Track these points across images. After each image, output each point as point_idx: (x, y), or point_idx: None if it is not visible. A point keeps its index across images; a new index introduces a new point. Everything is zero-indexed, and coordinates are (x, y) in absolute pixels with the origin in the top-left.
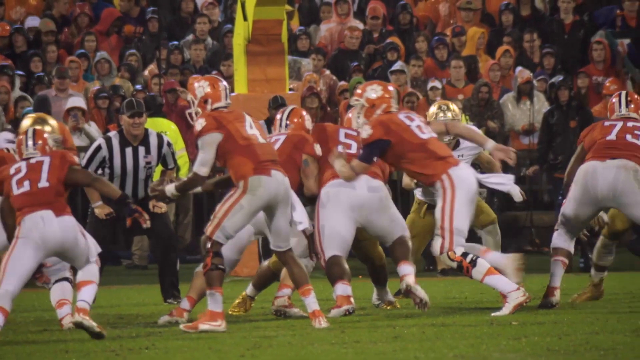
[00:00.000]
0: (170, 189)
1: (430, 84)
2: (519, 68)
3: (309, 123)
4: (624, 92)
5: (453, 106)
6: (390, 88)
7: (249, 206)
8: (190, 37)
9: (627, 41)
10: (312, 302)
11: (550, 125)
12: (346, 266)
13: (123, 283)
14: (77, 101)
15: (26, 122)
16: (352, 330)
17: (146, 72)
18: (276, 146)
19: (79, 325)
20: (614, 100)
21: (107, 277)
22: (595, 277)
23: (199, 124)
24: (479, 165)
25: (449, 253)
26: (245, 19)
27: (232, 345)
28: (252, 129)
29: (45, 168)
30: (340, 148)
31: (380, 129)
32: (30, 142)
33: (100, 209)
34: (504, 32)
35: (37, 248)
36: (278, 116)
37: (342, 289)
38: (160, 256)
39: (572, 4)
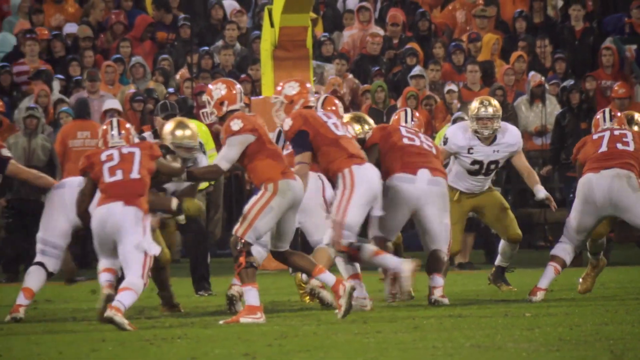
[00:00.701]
0: (188, 171)
1: (447, 88)
2: (531, 72)
3: (342, 110)
4: (607, 109)
5: (494, 102)
6: (308, 85)
7: (278, 208)
8: (220, 42)
9: (634, 47)
10: (329, 277)
11: (562, 127)
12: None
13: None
14: (113, 103)
15: (168, 126)
16: (374, 321)
17: (178, 76)
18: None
19: (109, 321)
20: (598, 116)
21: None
22: (593, 260)
23: (236, 124)
24: (518, 170)
25: (336, 246)
26: (272, 25)
27: (259, 335)
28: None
29: (137, 159)
30: (405, 141)
31: (299, 119)
32: (115, 132)
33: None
34: (517, 38)
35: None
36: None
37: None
38: (191, 251)
39: (582, 12)
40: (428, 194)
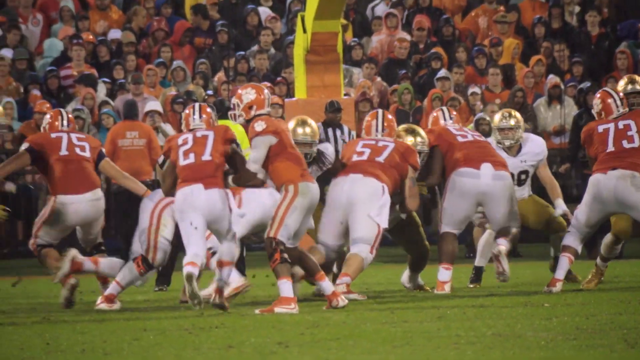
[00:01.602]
0: (229, 180)
1: (470, 90)
2: (550, 75)
3: (395, 125)
4: (614, 93)
5: (515, 113)
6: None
7: (301, 208)
8: (255, 47)
9: None
10: (327, 286)
11: (579, 127)
12: (452, 246)
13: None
14: (154, 105)
15: (290, 124)
16: (400, 311)
17: (215, 79)
18: (385, 152)
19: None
20: (609, 101)
21: (178, 262)
22: (601, 266)
23: (259, 125)
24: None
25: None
26: (304, 31)
27: (293, 324)
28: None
29: (210, 142)
30: (460, 139)
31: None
32: (196, 115)
33: None
34: (537, 43)
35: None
36: (370, 119)
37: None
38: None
39: (598, 18)
40: (493, 190)
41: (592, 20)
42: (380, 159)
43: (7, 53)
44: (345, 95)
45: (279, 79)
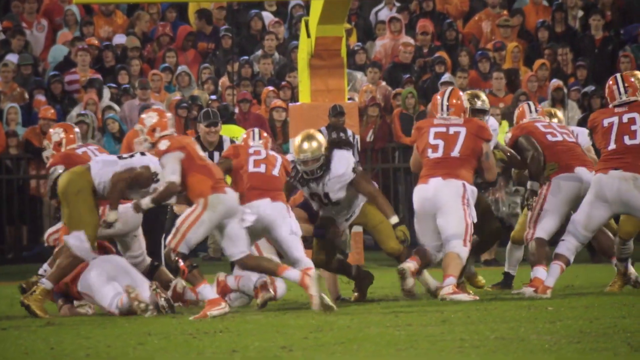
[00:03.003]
0: (145, 201)
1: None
2: (554, 79)
3: (466, 103)
4: (619, 76)
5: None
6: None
7: (209, 221)
8: (259, 52)
9: None
10: (293, 273)
11: None
12: (548, 249)
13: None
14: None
15: (296, 140)
16: (404, 315)
17: (219, 84)
18: (458, 142)
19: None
20: (612, 86)
21: None
22: (620, 267)
23: (163, 144)
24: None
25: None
26: (308, 36)
27: (297, 328)
28: (201, 152)
29: (279, 163)
30: (550, 138)
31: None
32: (257, 137)
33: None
34: (540, 47)
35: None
36: (438, 98)
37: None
38: None
39: (601, 22)
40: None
41: (595, 24)
42: (455, 152)
43: (12, 58)
44: (349, 99)
45: (283, 83)
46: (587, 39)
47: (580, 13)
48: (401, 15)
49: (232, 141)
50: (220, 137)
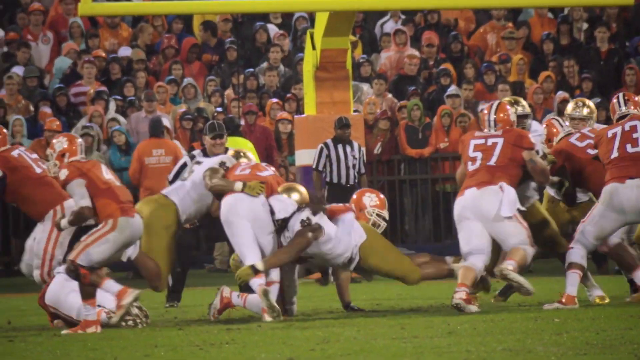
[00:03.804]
0: (63, 222)
1: (481, 107)
2: (559, 91)
3: (514, 116)
4: (621, 94)
5: (590, 103)
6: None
7: (114, 243)
8: (264, 64)
9: None
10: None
11: None
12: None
13: (206, 285)
14: (166, 121)
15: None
16: (410, 327)
17: (225, 96)
18: (495, 152)
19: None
20: (614, 101)
21: (191, 279)
22: None
23: (63, 173)
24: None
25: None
26: (314, 48)
27: (303, 340)
28: (108, 174)
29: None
30: (590, 151)
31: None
32: None
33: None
34: (545, 59)
35: None
36: (485, 113)
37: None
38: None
39: (607, 34)
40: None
41: (601, 36)
42: (492, 162)
43: (18, 70)
44: (354, 111)
45: (288, 95)
46: (592, 51)
47: (585, 25)
48: (406, 27)
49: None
50: (226, 149)
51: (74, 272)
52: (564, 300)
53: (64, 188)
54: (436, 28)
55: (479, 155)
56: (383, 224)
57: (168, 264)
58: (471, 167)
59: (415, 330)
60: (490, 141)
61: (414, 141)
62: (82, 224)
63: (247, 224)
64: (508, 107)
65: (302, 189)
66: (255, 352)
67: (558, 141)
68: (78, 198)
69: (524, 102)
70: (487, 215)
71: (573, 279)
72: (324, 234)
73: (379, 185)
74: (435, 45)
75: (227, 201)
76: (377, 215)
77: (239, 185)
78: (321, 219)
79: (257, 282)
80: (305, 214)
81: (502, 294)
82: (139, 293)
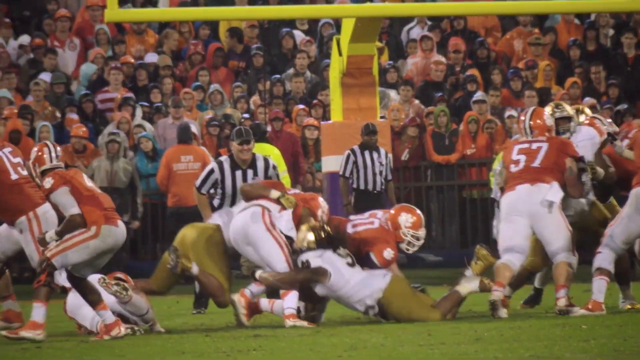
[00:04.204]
0: (50, 234)
1: (507, 113)
2: (586, 98)
3: (550, 120)
4: None
5: (564, 104)
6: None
7: (94, 249)
8: (291, 70)
9: None
10: (108, 315)
11: None
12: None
13: (233, 291)
14: (192, 128)
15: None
16: (438, 334)
17: (251, 102)
18: (539, 156)
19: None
20: None
21: None
22: None
23: (47, 182)
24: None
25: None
26: (340, 54)
27: (330, 347)
28: (89, 181)
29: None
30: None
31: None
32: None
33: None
34: (572, 65)
35: None
36: (522, 119)
37: None
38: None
39: (634, 40)
40: None
41: (628, 42)
42: (536, 164)
43: (45, 77)
44: (381, 117)
45: (315, 101)
46: (619, 57)
47: (612, 31)
48: (432, 33)
49: (265, 159)
50: (253, 154)
51: (40, 271)
52: (590, 306)
53: (48, 198)
54: (462, 34)
55: (522, 157)
56: (417, 244)
57: (227, 279)
58: (514, 169)
59: (442, 337)
60: (534, 145)
61: (440, 147)
62: (72, 231)
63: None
64: (544, 111)
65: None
66: (282, 358)
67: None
68: (68, 207)
69: (565, 106)
70: (538, 211)
71: (600, 285)
72: (328, 279)
73: (405, 192)
74: (461, 51)
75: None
76: (412, 236)
77: (275, 193)
78: (339, 265)
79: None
80: (307, 256)
81: (527, 302)
82: (126, 335)
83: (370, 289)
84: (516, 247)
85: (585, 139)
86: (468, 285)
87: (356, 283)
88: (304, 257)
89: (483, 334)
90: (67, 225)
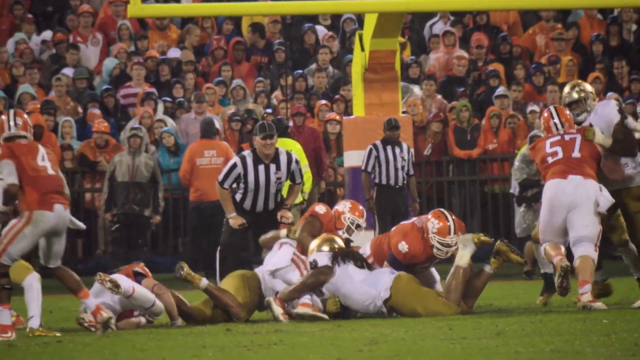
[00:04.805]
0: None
1: (529, 108)
2: (609, 93)
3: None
4: None
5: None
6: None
7: (31, 236)
8: (313, 66)
9: None
10: (91, 303)
11: None
12: None
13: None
14: (215, 123)
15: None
16: (459, 328)
17: (273, 97)
18: (576, 146)
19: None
20: None
21: None
22: None
23: None
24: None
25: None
26: (362, 49)
27: (351, 341)
28: (44, 160)
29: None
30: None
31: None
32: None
33: (234, 220)
34: (595, 60)
35: None
36: (551, 121)
37: None
38: None
39: None
40: None
41: None
42: (575, 154)
43: (68, 72)
44: (403, 112)
45: (337, 96)
46: None
47: (635, 27)
48: (455, 28)
49: (288, 154)
50: (277, 149)
51: None
52: None
53: None
54: (485, 29)
55: (558, 149)
56: (445, 250)
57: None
58: (552, 159)
59: (463, 331)
60: (567, 137)
61: (462, 142)
62: (13, 202)
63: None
64: (565, 110)
65: (339, 241)
66: (303, 353)
67: None
68: (7, 175)
69: (577, 86)
70: (580, 204)
71: None
72: (333, 276)
73: (427, 187)
74: (484, 47)
75: None
76: (438, 242)
77: (283, 232)
78: (347, 266)
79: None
80: (314, 257)
81: (543, 293)
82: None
83: (377, 288)
84: (586, 237)
85: (602, 120)
86: (463, 252)
87: (361, 280)
88: (311, 258)
89: (504, 328)
90: (5, 197)
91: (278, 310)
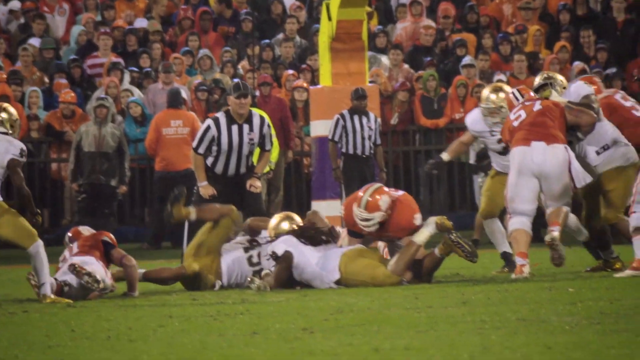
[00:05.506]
0: None
1: (496, 77)
2: (576, 62)
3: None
4: None
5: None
6: None
7: None
8: (280, 35)
9: None
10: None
11: None
12: None
13: None
14: (183, 93)
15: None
16: (424, 297)
17: (240, 67)
18: (536, 104)
19: None
20: None
21: None
22: None
23: None
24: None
25: None
26: (329, 19)
27: (317, 310)
28: None
29: None
30: (635, 113)
31: None
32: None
33: (204, 189)
34: (561, 29)
35: None
36: (512, 97)
37: None
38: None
39: (623, 4)
40: None
41: (617, 7)
42: (537, 107)
43: (34, 42)
44: (370, 82)
45: (303, 66)
46: (608, 21)
47: None
48: None
49: (261, 117)
50: (250, 110)
51: None
52: (635, 265)
53: None
54: None
55: (522, 112)
56: (362, 225)
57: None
58: (517, 124)
59: (429, 300)
60: (528, 102)
61: (429, 112)
62: None
63: None
64: (528, 91)
65: (297, 219)
66: (269, 322)
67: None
68: None
69: (552, 73)
70: (548, 173)
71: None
72: (293, 259)
73: (394, 156)
74: (451, 17)
75: None
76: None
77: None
78: (304, 248)
79: None
80: (272, 247)
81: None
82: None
83: (327, 270)
84: (529, 211)
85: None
86: (423, 229)
87: (315, 263)
88: (269, 249)
89: (470, 297)
90: None
91: (259, 282)
